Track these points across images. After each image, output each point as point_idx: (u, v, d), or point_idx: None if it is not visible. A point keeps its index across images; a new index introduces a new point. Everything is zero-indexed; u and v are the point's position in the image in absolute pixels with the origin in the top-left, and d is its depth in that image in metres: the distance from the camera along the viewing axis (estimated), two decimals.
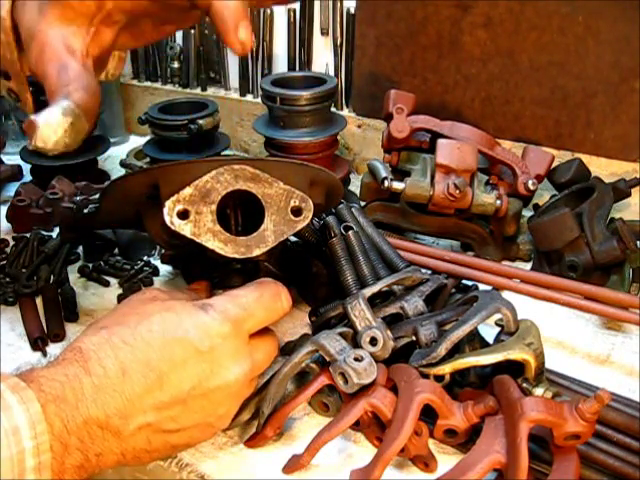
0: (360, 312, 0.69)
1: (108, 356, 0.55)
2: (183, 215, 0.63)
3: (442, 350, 0.64)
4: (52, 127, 0.56)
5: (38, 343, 0.80)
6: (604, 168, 1.04)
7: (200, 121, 1.12)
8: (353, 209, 0.87)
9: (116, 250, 0.98)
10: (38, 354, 0.79)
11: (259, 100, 1.18)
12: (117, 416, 0.53)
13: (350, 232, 0.80)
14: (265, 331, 0.64)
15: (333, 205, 0.83)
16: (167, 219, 0.63)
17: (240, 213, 0.70)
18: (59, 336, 0.81)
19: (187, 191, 0.63)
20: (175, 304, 0.60)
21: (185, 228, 0.63)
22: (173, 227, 0.63)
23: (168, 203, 0.63)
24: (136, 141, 1.44)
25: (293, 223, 0.66)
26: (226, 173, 0.64)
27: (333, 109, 1.19)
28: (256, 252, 0.65)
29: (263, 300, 0.62)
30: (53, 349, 0.80)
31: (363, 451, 0.66)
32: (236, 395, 0.61)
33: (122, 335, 0.56)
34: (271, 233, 0.66)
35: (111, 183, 0.71)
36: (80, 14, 0.64)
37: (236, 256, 0.65)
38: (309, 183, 0.69)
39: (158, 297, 0.62)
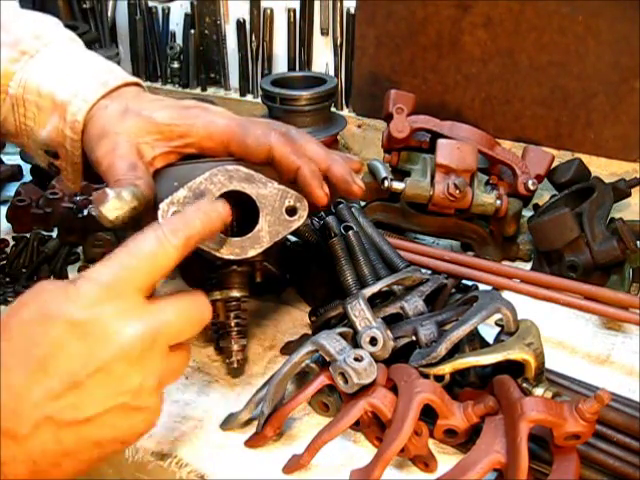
0: (360, 312, 0.69)
1: None
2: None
3: (442, 350, 0.64)
4: (120, 202, 0.61)
5: None
6: (604, 168, 1.04)
7: None
8: (353, 209, 0.87)
9: None
10: None
11: (259, 100, 1.18)
12: (10, 416, 0.48)
13: (350, 232, 0.80)
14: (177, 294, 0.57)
15: (331, 202, 0.83)
16: (161, 221, 0.63)
17: (236, 214, 0.70)
18: None
19: (181, 193, 0.63)
20: (43, 287, 0.53)
21: None
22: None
23: (162, 205, 0.63)
24: None
25: (288, 223, 0.66)
26: (220, 174, 0.64)
27: (333, 109, 1.19)
28: (251, 253, 0.65)
29: (140, 259, 0.53)
30: None
31: (363, 451, 0.66)
32: (141, 361, 0.52)
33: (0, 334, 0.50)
34: (266, 233, 0.65)
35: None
36: (162, 136, 0.69)
37: (231, 257, 0.65)
38: None
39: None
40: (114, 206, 0.60)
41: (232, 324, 0.72)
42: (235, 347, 0.72)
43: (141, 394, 0.52)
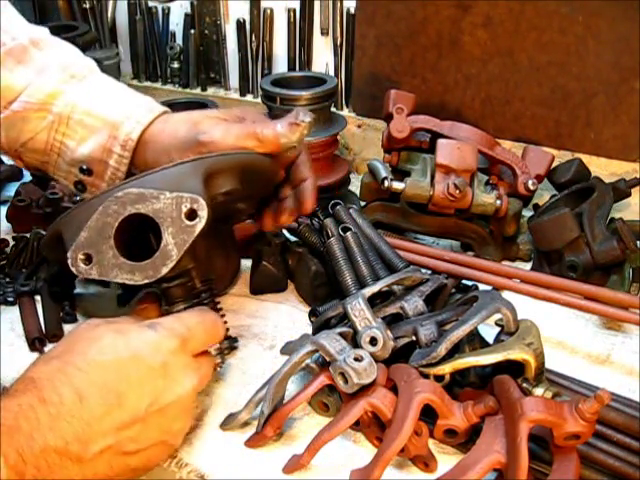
0: (360, 312, 0.69)
1: (63, 383, 0.55)
2: (87, 260, 0.64)
3: (442, 350, 0.64)
4: (307, 127, 0.73)
5: (36, 344, 0.80)
6: (604, 168, 1.04)
7: None
8: (351, 210, 0.87)
9: None
10: (36, 355, 0.79)
11: (259, 100, 1.18)
12: (76, 442, 0.53)
13: (348, 233, 0.80)
14: (204, 353, 0.66)
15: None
16: (73, 270, 0.64)
17: (133, 234, 0.69)
18: (57, 336, 0.81)
19: (82, 235, 0.64)
20: (122, 325, 0.61)
21: (92, 272, 0.64)
22: (81, 275, 0.64)
23: (69, 254, 0.64)
24: None
25: (191, 228, 0.64)
26: (112, 204, 0.64)
27: (333, 109, 1.19)
28: (164, 270, 0.64)
29: (205, 324, 0.65)
30: None
31: (363, 451, 0.66)
32: (188, 410, 0.62)
33: (74, 362, 0.57)
34: (173, 246, 0.64)
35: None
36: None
37: (146, 281, 0.64)
38: (205, 177, 0.67)
39: (102, 324, 0.63)
40: (303, 132, 0.72)
41: None
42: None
43: (178, 435, 0.62)
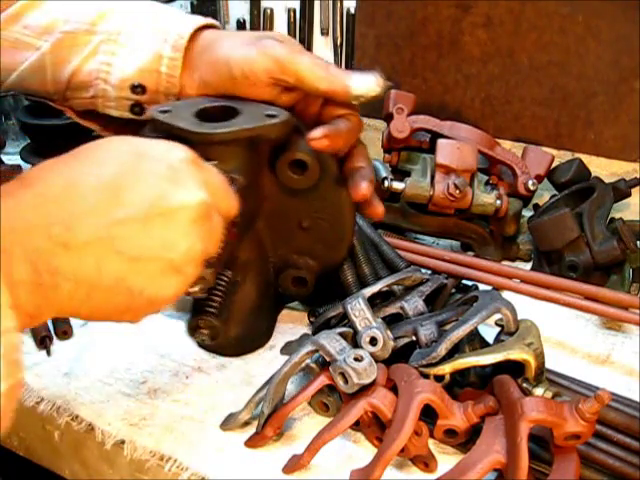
0: (360, 312, 0.69)
1: (53, 173, 0.49)
2: (165, 111, 0.66)
3: (442, 350, 0.64)
4: (384, 86, 0.68)
5: (45, 342, 0.78)
6: (604, 168, 1.04)
7: None
8: None
9: None
10: (44, 353, 0.78)
11: None
12: (61, 225, 0.47)
13: None
14: None
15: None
16: (151, 113, 0.66)
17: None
18: (67, 333, 0.79)
19: (177, 103, 0.69)
20: (130, 138, 0.55)
21: (161, 116, 0.65)
22: (154, 116, 0.65)
23: (158, 107, 0.66)
24: None
25: (264, 119, 0.66)
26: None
27: None
28: (219, 130, 0.64)
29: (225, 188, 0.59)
30: (60, 347, 0.79)
31: (363, 451, 0.66)
32: (200, 226, 0.53)
33: (69, 158, 0.51)
34: (242, 123, 0.65)
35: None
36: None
37: (197, 130, 0.63)
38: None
39: None
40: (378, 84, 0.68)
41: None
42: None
43: (187, 258, 0.52)
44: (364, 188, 0.70)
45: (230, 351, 0.77)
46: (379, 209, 0.74)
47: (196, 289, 0.60)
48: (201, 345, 0.78)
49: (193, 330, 0.71)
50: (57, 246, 0.47)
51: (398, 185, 0.91)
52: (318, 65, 0.69)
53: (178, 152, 0.54)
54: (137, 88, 0.73)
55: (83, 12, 0.74)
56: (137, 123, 0.74)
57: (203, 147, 0.61)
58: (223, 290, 0.71)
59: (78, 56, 0.73)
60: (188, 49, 0.72)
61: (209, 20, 0.74)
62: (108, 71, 0.73)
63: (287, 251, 0.76)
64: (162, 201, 0.50)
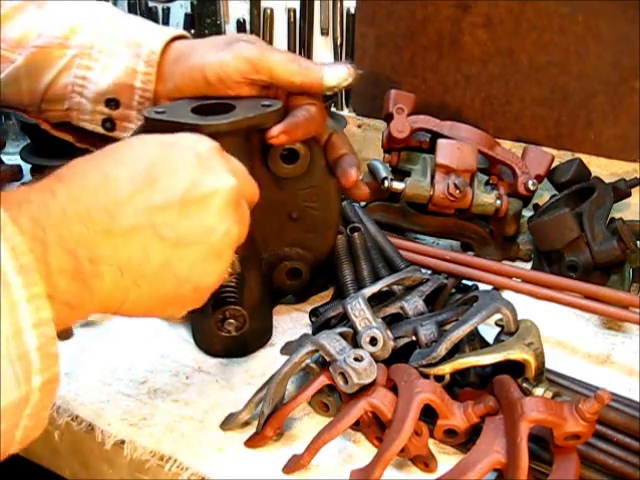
0: (360, 312, 0.69)
1: (87, 168, 0.50)
2: (160, 112, 0.68)
3: (442, 350, 0.64)
4: (355, 75, 0.71)
5: None
6: (604, 168, 1.04)
7: None
8: (356, 207, 0.87)
9: None
10: None
11: None
12: (102, 211, 0.47)
13: (356, 234, 0.80)
14: None
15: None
16: (145, 113, 0.69)
17: None
18: (67, 333, 0.79)
19: (167, 104, 0.70)
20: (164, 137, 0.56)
21: (160, 115, 0.67)
22: (150, 116, 0.67)
23: (149, 108, 0.71)
24: None
25: (261, 109, 0.68)
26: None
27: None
28: (224, 120, 0.66)
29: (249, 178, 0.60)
30: (60, 347, 0.79)
31: (363, 451, 0.66)
32: (230, 211, 0.54)
33: (106, 151, 0.52)
34: (241, 113, 0.67)
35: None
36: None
37: (203, 123, 0.65)
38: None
39: None
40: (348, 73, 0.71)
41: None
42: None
43: (225, 242, 0.54)
44: (353, 174, 0.73)
45: (235, 351, 0.77)
46: (365, 190, 0.76)
47: (226, 275, 0.61)
48: (203, 349, 0.78)
49: (220, 322, 0.69)
50: (98, 234, 0.47)
51: (398, 185, 0.92)
52: (290, 60, 0.71)
53: (204, 142, 0.55)
54: (111, 102, 0.75)
55: (55, 26, 0.76)
56: (109, 139, 0.75)
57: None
58: (235, 283, 0.70)
59: (52, 69, 0.75)
60: (160, 62, 0.74)
61: (178, 31, 0.77)
62: (83, 85, 0.75)
63: (278, 245, 0.77)
64: (196, 187, 0.51)
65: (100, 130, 0.76)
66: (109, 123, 0.76)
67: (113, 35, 0.76)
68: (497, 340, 0.67)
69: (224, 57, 0.70)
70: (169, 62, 0.74)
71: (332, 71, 0.71)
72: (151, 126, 0.67)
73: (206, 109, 0.69)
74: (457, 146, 0.90)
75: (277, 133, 0.68)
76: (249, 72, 0.70)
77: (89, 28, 0.76)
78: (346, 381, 0.62)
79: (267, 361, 0.77)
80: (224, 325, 0.69)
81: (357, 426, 0.66)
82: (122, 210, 0.48)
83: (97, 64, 0.75)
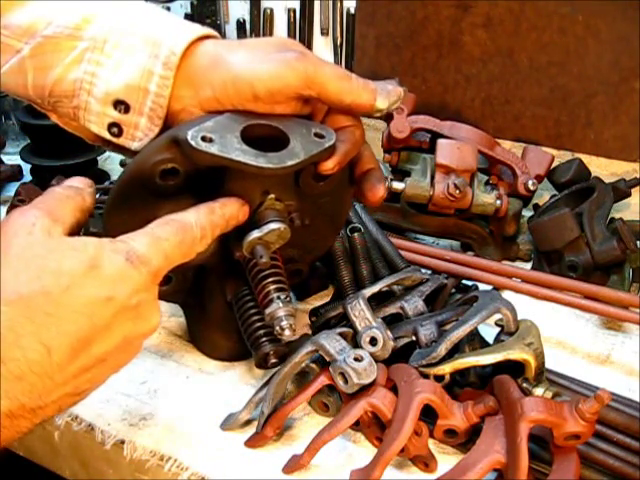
0: (360, 312, 0.69)
1: (29, 333, 0.48)
2: (208, 140, 0.60)
3: (442, 350, 0.64)
4: (402, 95, 0.68)
5: None
6: (604, 168, 1.04)
7: None
8: (357, 207, 0.87)
9: None
10: None
11: None
12: (35, 399, 0.49)
13: (356, 234, 0.80)
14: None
15: None
16: (192, 143, 0.59)
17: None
18: None
19: (208, 124, 0.61)
20: (95, 253, 0.53)
21: (211, 148, 0.59)
22: (199, 148, 0.59)
23: (191, 133, 0.59)
24: None
25: (319, 142, 0.64)
26: (238, 115, 0.64)
27: None
28: (289, 162, 0.61)
29: (183, 247, 0.58)
30: None
31: (363, 451, 0.66)
32: (141, 344, 0.57)
33: (43, 305, 0.50)
34: (300, 150, 0.62)
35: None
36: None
37: (270, 166, 0.60)
38: None
39: (50, 230, 0.54)
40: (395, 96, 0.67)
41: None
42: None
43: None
44: (381, 191, 0.71)
45: (238, 357, 0.77)
46: (382, 200, 0.73)
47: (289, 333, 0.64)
48: (205, 353, 0.78)
49: (264, 360, 0.70)
50: (21, 418, 0.49)
51: (398, 185, 0.92)
52: (342, 78, 0.66)
53: (143, 283, 0.54)
54: (120, 105, 0.67)
55: (68, 14, 0.68)
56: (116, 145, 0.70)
57: (261, 178, 0.63)
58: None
59: (61, 63, 0.68)
60: (183, 65, 0.66)
61: (205, 30, 0.69)
62: (92, 82, 0.68)
63: (284, 247, 0.76)
64: (125, 339, 0.54)
65: (106, 135, 0.69)
66: (116, 128, 0.68)
67: (130, 29, 0.67)
68: (497, 340, 0.67)
69: (276, 69, 0.64)
70: (200, 66, 0.66)
71: (385, 94, 0.66)
72: (193, 155, 0.61)
73: (254, 133, 0.63)
74: (457, 146, 0.90)
75: (333, 166, 0.65)
76: (301, 87, 0.64)
77: (105, 18, 0.68)
78: (346, 381, 0.62)
79: None
80: (267, 361, 0.70)
81: (357, 426, 0.66)
82: (53, 388, 0.50)
83: (109, 60, 0.67)
